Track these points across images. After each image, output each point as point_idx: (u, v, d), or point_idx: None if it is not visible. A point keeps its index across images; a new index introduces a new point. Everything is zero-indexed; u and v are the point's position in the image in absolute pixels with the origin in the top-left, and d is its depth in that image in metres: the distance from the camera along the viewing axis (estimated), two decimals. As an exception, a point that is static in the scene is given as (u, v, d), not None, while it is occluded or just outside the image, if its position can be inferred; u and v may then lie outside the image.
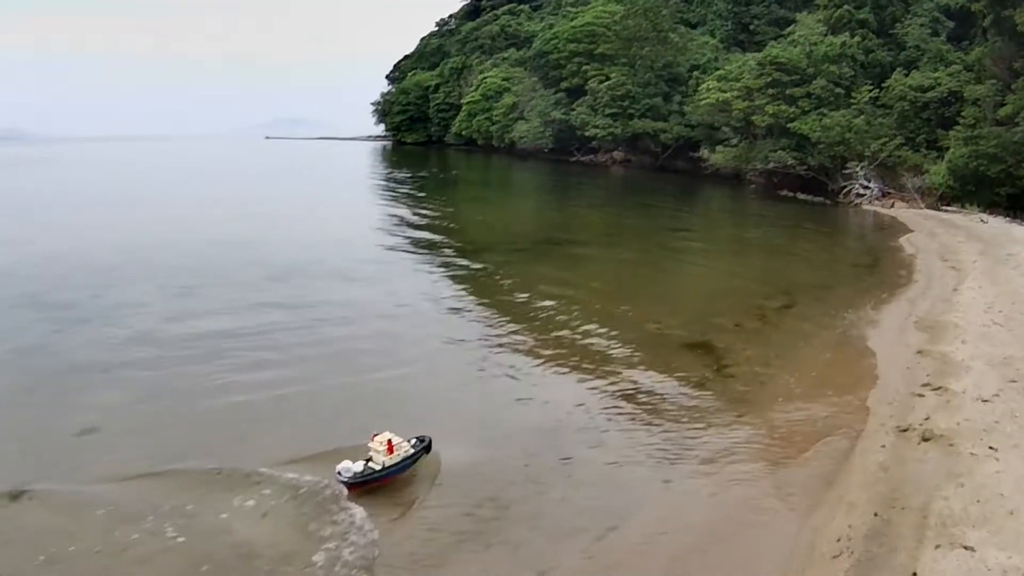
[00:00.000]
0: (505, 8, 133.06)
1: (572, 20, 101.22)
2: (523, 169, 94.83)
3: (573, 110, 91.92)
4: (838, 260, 35.84)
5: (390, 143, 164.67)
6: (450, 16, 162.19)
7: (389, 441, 12.53)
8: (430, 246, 36.87)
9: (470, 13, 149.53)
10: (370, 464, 12.24)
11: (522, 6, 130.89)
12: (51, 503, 11.86)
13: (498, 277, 29.96)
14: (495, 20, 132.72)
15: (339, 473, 12.03)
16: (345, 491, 11.90)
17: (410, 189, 65.80)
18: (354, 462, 12.23)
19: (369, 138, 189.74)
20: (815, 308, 24.51)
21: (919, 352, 18.40)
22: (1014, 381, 15.67)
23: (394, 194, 61.62)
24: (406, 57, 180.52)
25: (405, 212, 49.42)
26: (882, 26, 64.18)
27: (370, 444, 12.49)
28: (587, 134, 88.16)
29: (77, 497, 12.00)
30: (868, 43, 63.26)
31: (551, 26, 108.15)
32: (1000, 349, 17.85)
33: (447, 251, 35.67)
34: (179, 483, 12.33)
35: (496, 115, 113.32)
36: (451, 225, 45.55)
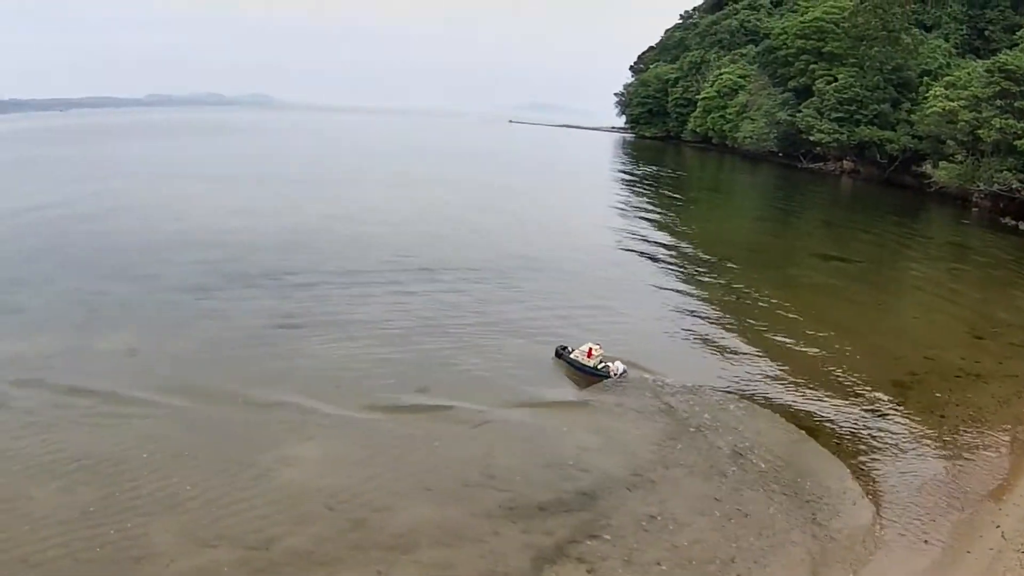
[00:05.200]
0: (746, 2, 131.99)
1: (802, 15, 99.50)
2: (750, 173, 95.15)
3: (799, 112, 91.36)
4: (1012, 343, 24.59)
5: (630, 136, 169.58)
6: (694, 8, 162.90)
7: (591, 349, 19.56)
8: (657, 251, 37.46)
9: (713, 6, 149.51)
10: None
11: (762, 1, 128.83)
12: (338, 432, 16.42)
13: (712, 289, 30.48)
14: (735, 14, 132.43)
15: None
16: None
17: (638, 188, 67.01)
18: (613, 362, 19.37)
19: (612, 129, 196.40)
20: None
21: None
22: None
23: (621, 193, 62.96)
24: (650, 48, 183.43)
25: (628, 214, 49.78)
26: None
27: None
28: (811, 139, 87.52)
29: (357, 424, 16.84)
30: None
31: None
32: None
33: (668, 256, 36.60)
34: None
35: (729, 113, 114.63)
36: (673, 231, 44.76)
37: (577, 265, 33.45)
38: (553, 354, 20.47)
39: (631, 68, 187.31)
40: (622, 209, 52.60)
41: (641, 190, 65.98)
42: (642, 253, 37.00)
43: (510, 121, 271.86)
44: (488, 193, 58.25)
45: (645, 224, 45.75)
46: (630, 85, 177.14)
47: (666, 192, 66.63)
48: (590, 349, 19.50)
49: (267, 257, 32.76)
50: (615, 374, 19.27)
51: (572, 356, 19.85)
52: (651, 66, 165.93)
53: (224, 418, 17.06)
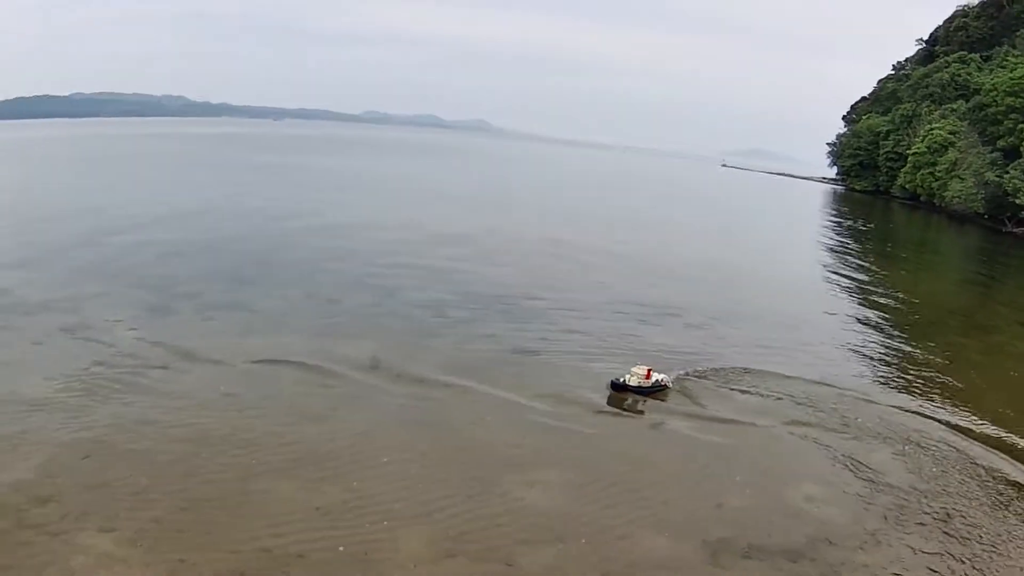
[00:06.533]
0: (956, 56, 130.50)
1: (1011, 71, 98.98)
2: (954, 234, 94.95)
3: (1007, 172, 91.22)
4: None
5: (840, 188, 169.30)
6: (906, 59, 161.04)
7: (648, 370, 21.88)
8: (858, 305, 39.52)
9: (924, 58, 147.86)
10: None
11: (972, 55, 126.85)
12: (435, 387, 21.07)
13: (918, 348, 31.25)
14: (946, 67, 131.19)
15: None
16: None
17: (846, 242, 70.38)
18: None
19: (822, 180, 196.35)
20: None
21: None
22: None
23: (828, 246, 65.70)
24: (863, 99, 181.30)
25: (834, 268, 51.64)
26: None
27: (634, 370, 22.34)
28: (1017, 202, 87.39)
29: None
30: None
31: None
32: None
33: (873, 312, 37.92)
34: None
35: (938, 171, 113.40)
36: (877, 288, 46.41)
37: (790, 317, 35.33)
38: (609, 389, 22.06)
39: (844, 118, 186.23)
40: (829, 262, 55.38)
41: (849, 244, 69.25)
42: (848, 308, 38.92)
43: (722, 165, 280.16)
44: (705, 237, 64.47)
45: (851, 279, 47.74)
46: (842, 135, 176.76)
47: (873, 248, 69.85)
48: (648, 371, 22.11)
49: (499, 280, 35.20)
50: (669, 384, 22.63)
51: (634, 384, 21.97)
52: (863, 117, 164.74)
53: (468, 435, 17.95)
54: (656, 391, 22.16)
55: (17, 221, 45.69)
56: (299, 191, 69.28)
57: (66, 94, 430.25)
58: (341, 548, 12.86)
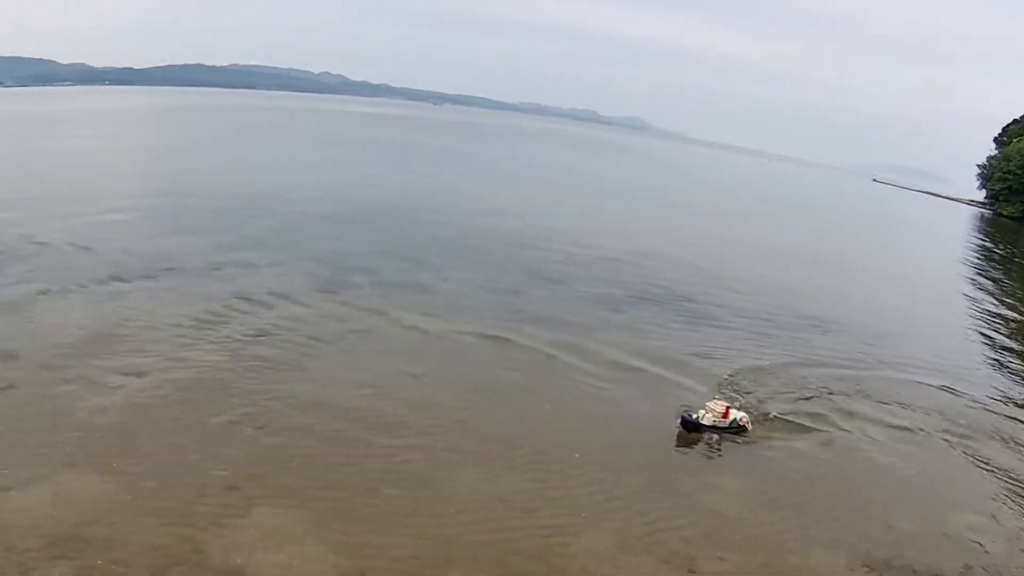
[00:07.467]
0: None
1: None
2: None
3: None
4: None
5: (987, 212, 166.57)
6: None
7: (727, 407, 19.15)
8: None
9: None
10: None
11: None
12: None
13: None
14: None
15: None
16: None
17: (989, 269, 68.05)
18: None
19: (970, 202, 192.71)
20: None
21: None
22: None
23: (972, 272, 63.60)
24: (1014, 121, 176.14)
25: (980, 294, 50.00)
26: None
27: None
28: None
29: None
30: None
31: None
32: None
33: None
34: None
35: None
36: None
37: (950, 336, 35.20)
38: (680, 425, 19.31)
39: (995, 140, 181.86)
40: (979, 285, 54.34)
41: (991, 272, 67.56)
42: (995, 331, 38.38)
43: (873, 180, 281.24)
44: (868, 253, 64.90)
45: (998, 306, 46.81)
46: (993, 158, 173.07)
47: (1016, 276, 69.06)
48: (727, 409, 19.46)
49: (674, 278, 35.32)
50: (748, 426, 19.72)
51: (708, 422, 19.36)
52: (1015, 140, 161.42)
53: (646, 432, 18.36)
54: (733, 431, 19.61)
55: (189, 190, 46.19)
56: (469, 176, 72.90)
57: (223, 64, 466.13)
58: (524, 541, 13.12)
